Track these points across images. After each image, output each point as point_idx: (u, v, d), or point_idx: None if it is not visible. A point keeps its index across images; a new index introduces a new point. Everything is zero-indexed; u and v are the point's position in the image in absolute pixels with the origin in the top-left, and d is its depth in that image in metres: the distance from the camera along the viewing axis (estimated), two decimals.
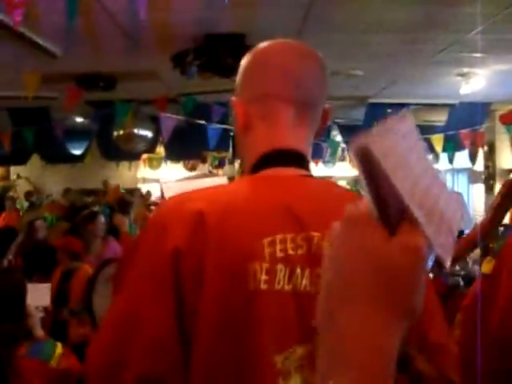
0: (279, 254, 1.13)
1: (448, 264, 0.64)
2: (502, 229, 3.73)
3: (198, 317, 1.07)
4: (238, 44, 4.93)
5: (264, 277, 1.11)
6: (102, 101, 7.60)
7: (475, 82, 7.45)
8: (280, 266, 1.12)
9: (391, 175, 0.61)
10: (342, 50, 6.06)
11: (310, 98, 1.32)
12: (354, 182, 11.97)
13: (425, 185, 0.68)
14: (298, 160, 1.30)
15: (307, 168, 1.32)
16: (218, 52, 4.60)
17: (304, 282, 1.13)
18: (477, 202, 10.70)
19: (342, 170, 12.03)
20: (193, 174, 10.51)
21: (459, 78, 7.47)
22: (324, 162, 9.99)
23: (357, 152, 0.61)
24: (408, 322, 0.65)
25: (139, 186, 12.01)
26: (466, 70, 7.11)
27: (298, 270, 1.14)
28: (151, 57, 6.19)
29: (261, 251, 1.12)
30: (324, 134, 1.41)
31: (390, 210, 0.63)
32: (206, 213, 1.13)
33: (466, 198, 11.14)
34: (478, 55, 6.41)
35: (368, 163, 0.61)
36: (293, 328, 1.11)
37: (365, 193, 0.63)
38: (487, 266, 1.68)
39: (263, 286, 1.10)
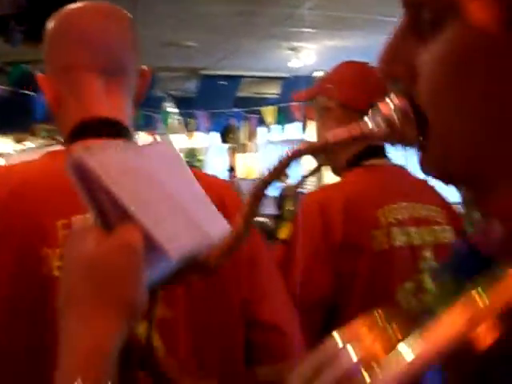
0: None
1: (172, 258, 0.67)
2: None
3: None
4: None
5: (57, 263, 1.03)
6: None
7: (306, 56, 7.68)
8: None
9: (108, 181, 0.66)
10: (175, 20, 5.98)
11: (120, 63, 1.23)
12: (190, 153, 12.00)
13: (166, 196, 0.73)
14: (112, 129, 1.20)
15: (126, 136, 1.22)
16: (43, 18, 4.31)
17: None
18: (307, 170, 11.08)
19: (178, 142, 11.99)
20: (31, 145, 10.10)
21: (291, 52, 7.66)
22: (158, 134, 9.88)
23: (70, 163, 0.66)
24: (130, 317, 0.68)
25: None
26: (297, 44, 7.30)
27: None
28: None
29: (54, 235, 1.04)
30: (143, 98, 1.33)
31: (109, 213, 0.67)
32: None
33: (297, 168, 11.52)
34: (309, 30, 6.58)
35: (81, 173, 0.66)
36: None
37: (84, 201, 0.68)
38: (285, 232, 1.75)
39: (56, 273, 1.02)
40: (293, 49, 7.54)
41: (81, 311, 0.68)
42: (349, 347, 0.52)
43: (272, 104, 9.47)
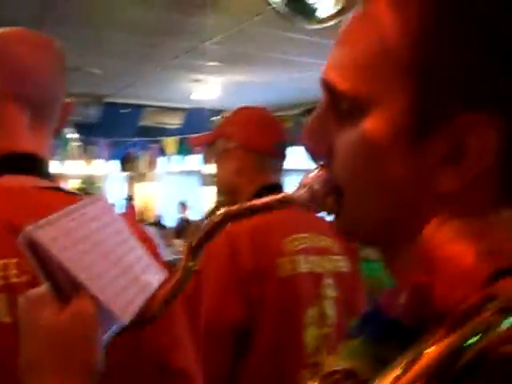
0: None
1: (124, 320, 0.75)
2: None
3: None
4: None
5: None
6: None
7: (210, 89, 7.79)
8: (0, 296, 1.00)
9: (59, 254, 0.71)
10: (81, 46, 5.93)
11: (48, 95, 1.17)
12: (88, 179, 11.78)
13: (111, 257, 0.80)
14: (34, 166, 1.15)
15: (46, 174, 1.17)
16: None
17: None
18: (207, 203, 11.16)
19: (76, 168, 11.74)
20: None
21: (195, 84, 7.75)
22: (56, 160, 9.69)
23: (23, 240, 0.70)
24: (91, 378, 0.74)
25: None
26: (201, 76, 7.40)
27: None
28: None
29: None
30: (60, 131, 1.27)
31: (62, 283, 0.73)
32: None
33: (197, 199, 11.56)
34: (213, 64, 6.70)
35: (33, 248, 0.71)
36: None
37: (37, 273, 0.73)
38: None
39: None
40: (196, 81, 7.64)
41: (45, 380, 0.72)
42: None
43: (173, 134, 9.51)
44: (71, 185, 11.10)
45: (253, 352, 1.75)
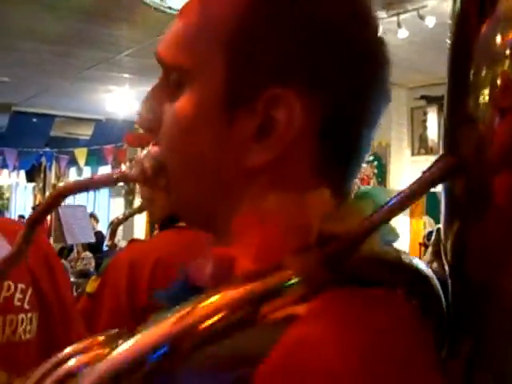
0: None
1: None
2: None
3: None
4: None
5: None
6: None
7: (122, 100, 7.77)
8: None
9: None
10: None
11: None
12: None
13: None
14: None
15: None
16: None
17: None
18: (116, 215, 11.01)
19: None
20: None
21: (106, 95, 7.72)
22: None
23: None
24: None
25: None
26: (113, 88, 7.39)
27: None
28: None
29: None
30: None
31: None
32: None
33: (106, 211, 11.43)
34: (126, 75, 6.73)
35: None
36: None
37: None
38: (92, 285, 1.78)
39: None
40: (109, 92, 7.61)
41: None
42: (77, 355, 0.58)
43: (84, 145, 9.41)
44: None
45: None
